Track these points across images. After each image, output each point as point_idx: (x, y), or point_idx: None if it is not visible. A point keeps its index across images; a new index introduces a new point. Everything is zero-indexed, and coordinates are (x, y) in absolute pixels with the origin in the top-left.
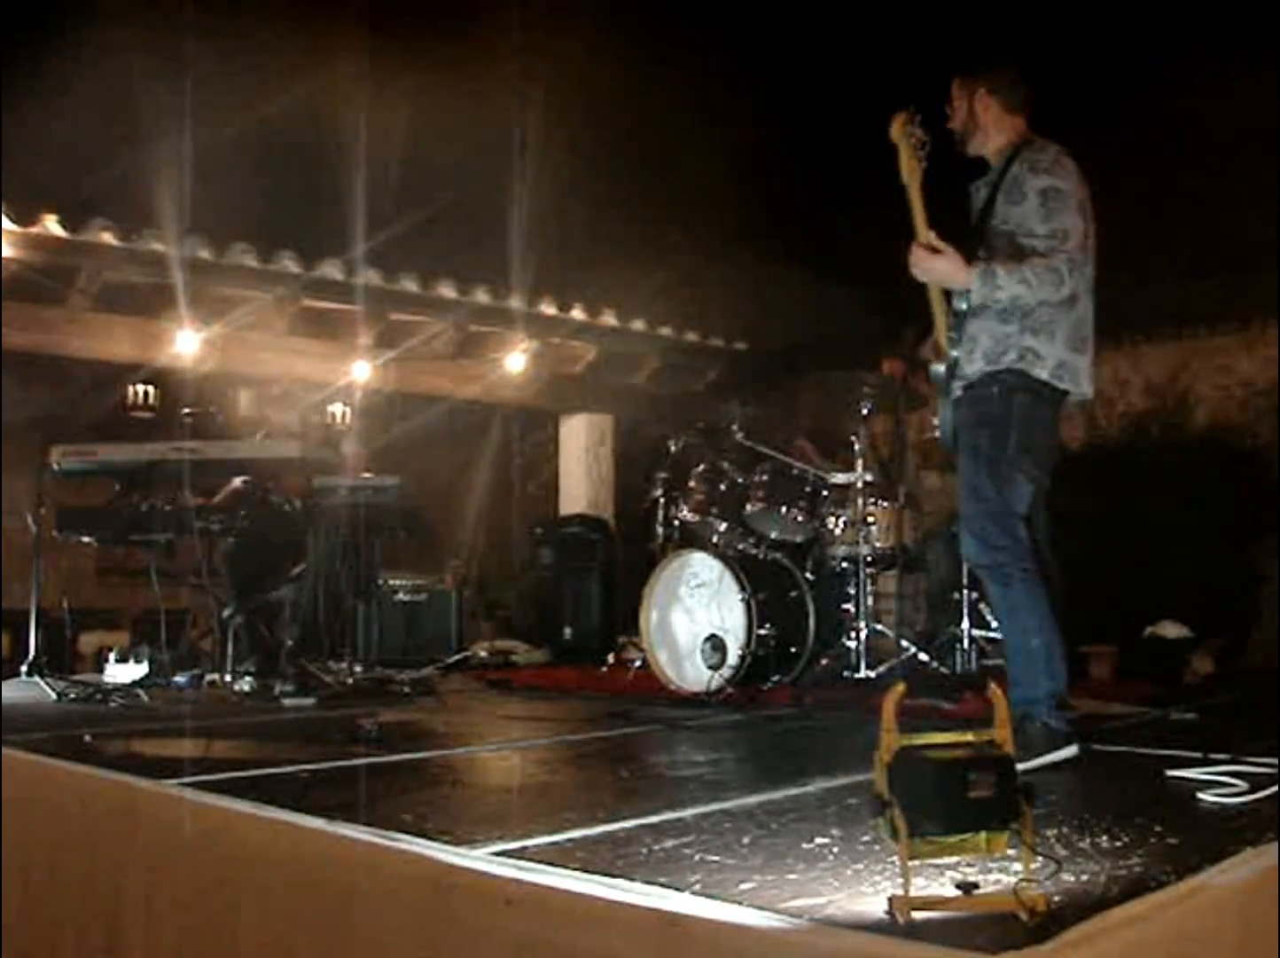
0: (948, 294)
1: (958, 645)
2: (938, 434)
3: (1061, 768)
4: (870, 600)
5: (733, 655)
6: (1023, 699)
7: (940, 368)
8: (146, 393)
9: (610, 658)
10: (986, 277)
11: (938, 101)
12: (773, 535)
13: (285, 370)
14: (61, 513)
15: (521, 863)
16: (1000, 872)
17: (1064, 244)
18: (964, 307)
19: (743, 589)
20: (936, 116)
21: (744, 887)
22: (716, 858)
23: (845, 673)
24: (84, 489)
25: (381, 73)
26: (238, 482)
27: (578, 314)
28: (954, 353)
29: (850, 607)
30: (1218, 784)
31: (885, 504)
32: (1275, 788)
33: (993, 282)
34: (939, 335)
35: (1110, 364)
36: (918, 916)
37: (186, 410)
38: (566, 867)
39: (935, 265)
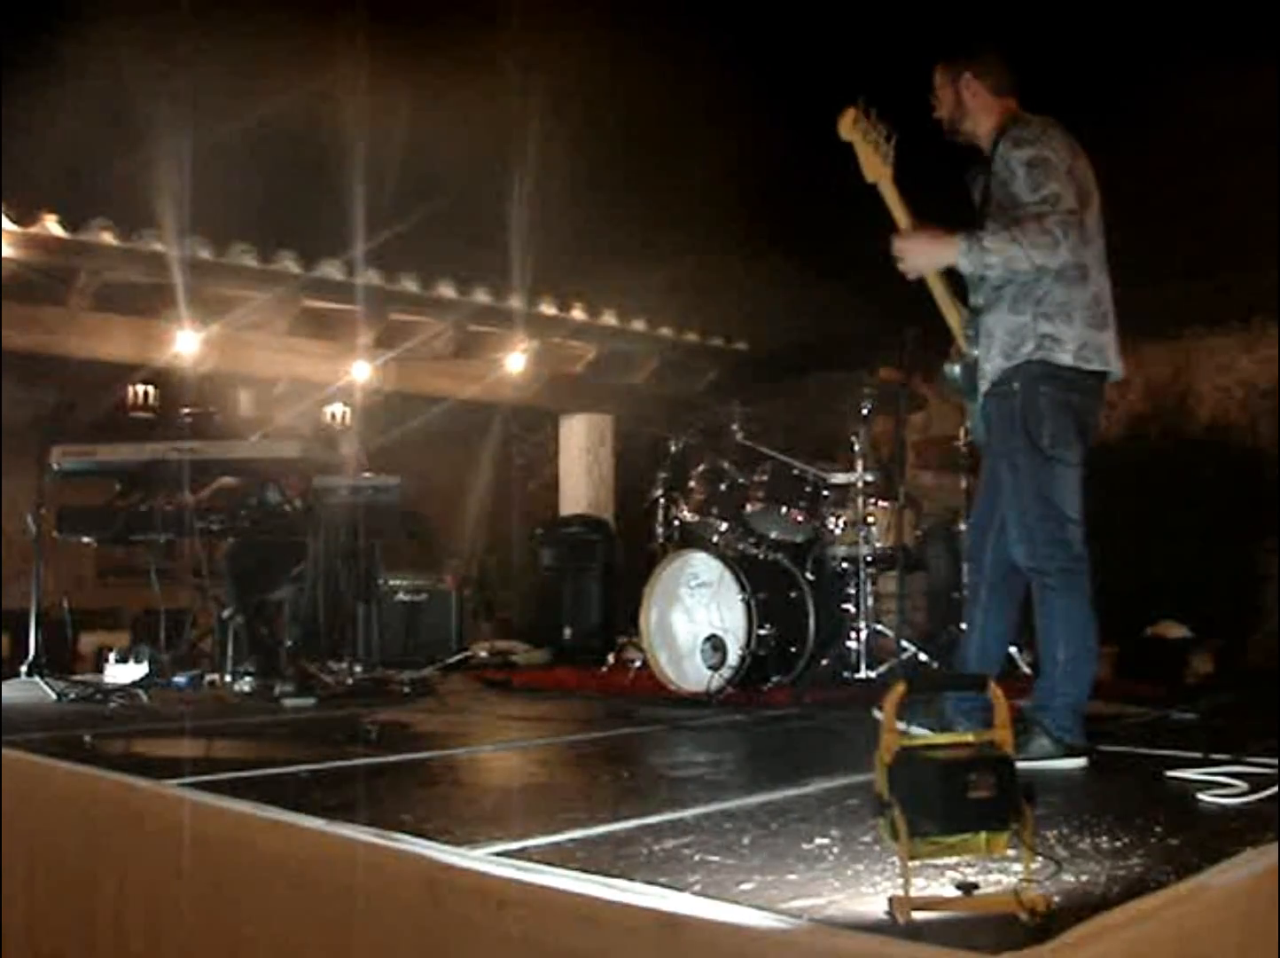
0: (962, 293)
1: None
2: (970, 437)
3: (1061, 769)
4: (870, 600)
5: (733, 656)
6: (1036, 704)
7: (954, 369)
8: (146, 393)
9: (610, 658)
10: (971, 242)
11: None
12: (773, 535)
13: (285, 370)
14: (61, 513)
15: (520, 863)
16: (1000, 872)
17: (1055, 208)
18: (980, 302)
19: (743, 589)
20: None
21: (744, 887)
22: (716, 858)
23: (845, 673)
24: (84, 489)
25: (381, 72)
26: (223, 479)
27: (578, 314)
28: (974, 351)
29: (850, 607)
30: (1218, 784)
31: (885, 504)
32: (1275, 788)
33: (979, 245)
34: (956, 335)
35: None
36: (918, 916)
37: (186, 410)
38: (566, 867)
39: (918, 249)
